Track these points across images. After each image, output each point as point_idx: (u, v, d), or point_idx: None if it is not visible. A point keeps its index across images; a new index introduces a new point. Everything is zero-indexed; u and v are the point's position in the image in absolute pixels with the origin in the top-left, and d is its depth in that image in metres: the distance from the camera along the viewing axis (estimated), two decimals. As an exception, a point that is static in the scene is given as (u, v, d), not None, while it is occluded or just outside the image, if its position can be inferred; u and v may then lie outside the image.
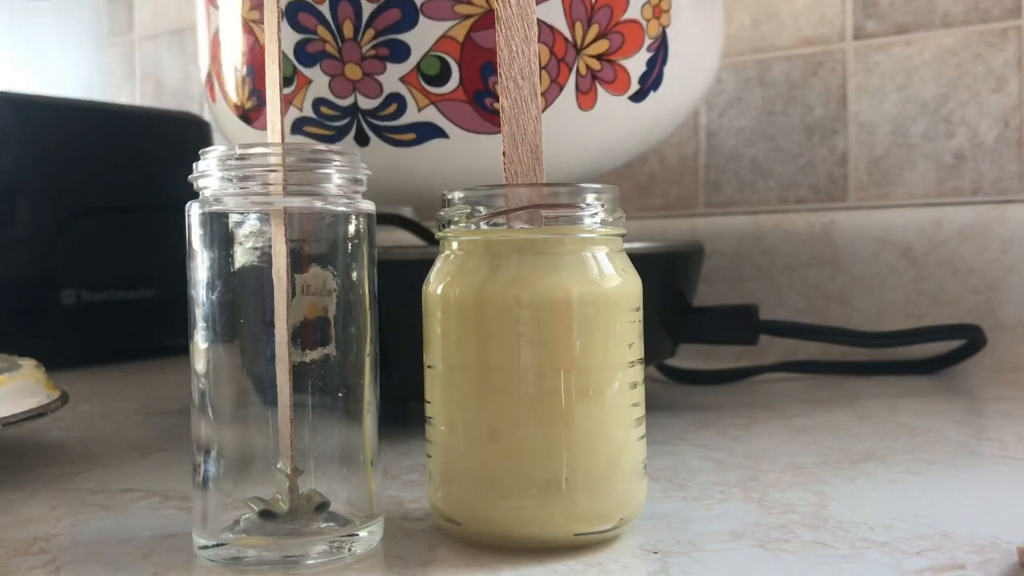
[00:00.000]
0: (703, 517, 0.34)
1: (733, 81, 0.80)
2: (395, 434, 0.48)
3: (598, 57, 0.46)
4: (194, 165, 0.31)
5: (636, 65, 0.48)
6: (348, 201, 0.31)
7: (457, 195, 0.32)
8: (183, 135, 0.90)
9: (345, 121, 0.46)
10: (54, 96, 0.86)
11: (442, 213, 0.32)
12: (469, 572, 0.29)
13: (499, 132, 0.43)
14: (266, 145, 0.31)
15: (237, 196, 0.30)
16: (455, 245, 0.32)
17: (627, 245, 0.33)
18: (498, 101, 0.42)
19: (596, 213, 0.31)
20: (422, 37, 0.44)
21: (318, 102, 0.46)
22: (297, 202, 0.30)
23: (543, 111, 0.45)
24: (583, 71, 0.46)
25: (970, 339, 0.67)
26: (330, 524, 0.31)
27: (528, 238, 0.31)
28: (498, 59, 0.33)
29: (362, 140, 0.47)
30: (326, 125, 0.47)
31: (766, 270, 0.78)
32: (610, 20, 0.46)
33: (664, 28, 0.48)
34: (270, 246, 0.30)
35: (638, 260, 0.34)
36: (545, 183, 0.32)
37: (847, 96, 0.76)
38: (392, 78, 0.45)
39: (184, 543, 0.32)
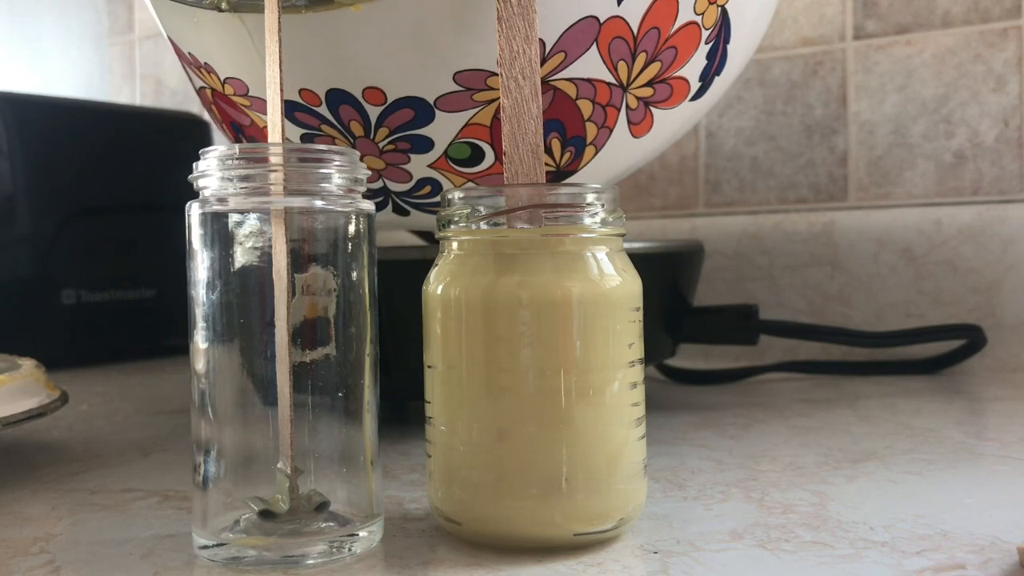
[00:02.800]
0: (703, 517, 0.34)
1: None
2: (395, 434, 0.48)
3: (649, 83, 0.43)
4: (194, 165, 0.31)
5: (694, 67, 0.45)
6: (348, 201, 0.31)
7: (457, 195, 0.32)
8: (183, 135, 0.90)
9: (379, 199, 0.45)
10: (54, 96, 0.86)
11: (442, 213, 0.32)
12: (469, 572, 0.29)
13: None
14: (266, 145, 0.31)
15: (237, 196, 0.30)
16: (455, 245, 0.32)
17: (627, 245, 0.33)
18: (545, 163, 0.41)
19: (596, 213, 0.31)
20: (444, 130, 0.41)
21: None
22: (297, 202, 0.30)
23: (595, 155, 0.43)
24: (633, 105, 0.43)
25: (970, 339, 0.67)
26: (330, 524, 0.31)
27: (528, 238, 0.31)
28: (499, 58, 0.33)
29: (401, 212, 0.45)
30: None
31: (766, 270, 0.78)
32: (659, 41, 0.42)
33: (723, 7, 0.44)
34: (270, 246, 0.30)
35: (638, 260, 0.34)
36: (545, 183, 0.32)
37: (847, 96, 0.76)
38: (420, 166, 0.43)
39: (184, 543, 0.32)
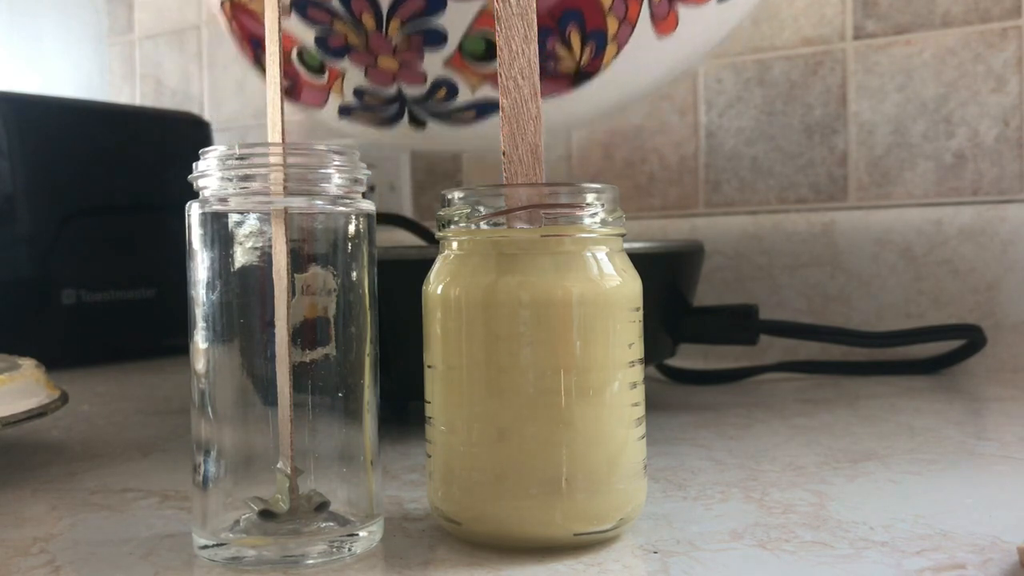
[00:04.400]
0: (703, 517, 0.34)
1: (733, 81, 0.80)
2: (395, 434, 0.48)
3: None
4: (194, 165, 0.31)
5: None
6: (348, 201, 0.31)
7: (457, 195, 0.32)
8: (183, 135, 0.90)
9: (394, 109, 0.42)
10: (54, 96, 0.86)
11: (442, 213, 0.32)
12: (469, 572, 0.29)
13: (568, 91, 0.39)
14: (266, 145, 0.31)
15: (237, 196, 0.30)
16: (455, 245, 0.32)
17: (627, 245, 0.33)
18: (565, 62, 0.38)
19: (596, 213, 0.31)
20: (456, 19, 0.40)
21: (359, 92, 0.43)
22: (297, 202, 0.30)
23: (617, 53, 0.40)
24: None
25: (970, 339, 0.67)
26: (330, 524, 0.31)
27: (528, 238, 0.31)
28: (498, 59, 0.33)
29: (418, 123, 0.43)
30: (374, 112, 0.43)
31: (766, 270, 0.78)
32: None
33: None
34: (270, 246, 0.30)
35: (638, 260, 0.34)
36: (545, 183, 0.32)
37: (847, 96, 0.76)
38: (435, 64, 0.41)
39: (184, 543, 0.32)
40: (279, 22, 0.31)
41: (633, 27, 0.40)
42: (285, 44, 0.45)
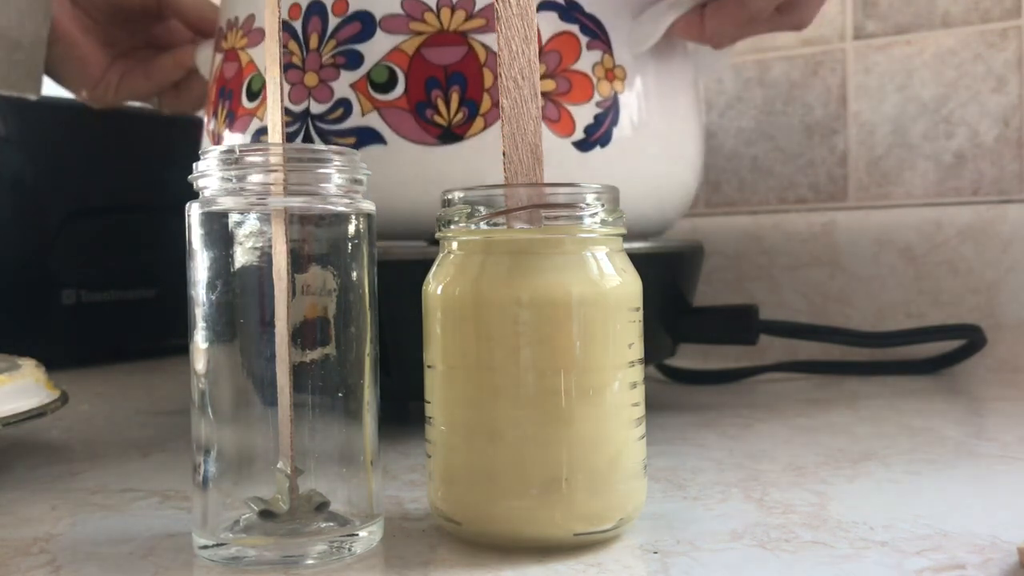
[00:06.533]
0: (703, 517, 0.34)
1: (733, 81, 0.80)
2: (395, 434, 0.48)
3: (545, 95, 0.47)
4: (194, 165, 0.31)
5: (583, 114, 0.48)
6: (348, 201, 0.31)
7: (457, 195, 0.32)
8: (183, 135, 0.90)
9: (296, 126, 0.48)
10: (54, 96, 0.86)
11: (442, 213, 0.32)
12: (469, 572, 0.29)
13: (435, 145, 0.46)
14: (266, 145, 0.31)
15: (237, 196, 0.30)
16: (455, 245, 0.32)
17: (627, 245, 0.33)
18: (439, 114, 0.46)
19: (596, 213, 0.31)
20: (376, 48, 0.46)
21: None
22: (297, 202, 0.30)
23: (484, 129, 0.46)
24: None
25: (970, 339, 0.67)
26: (330, 524, 0.31)
27: (528, 238, 0.31)
28: (498, 59, 0.33)
29: (308, 140, 0.48)
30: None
31: (766, 270, 0.78)
32: (559, 65, 0.48)
33: (616, 93, 0.49)
34: (270, 246, 0.30)
35: (638, 260, 0.34)
36: (545, 183, 0.32)
37: (847, 96, 0.76)
38: (344, 84, 0.47)
39: (184, 543, 0.32)
40: (279, 22, 0.31)
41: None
42: (242, 73, 0.50)
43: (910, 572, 0.28)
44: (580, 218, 0.31)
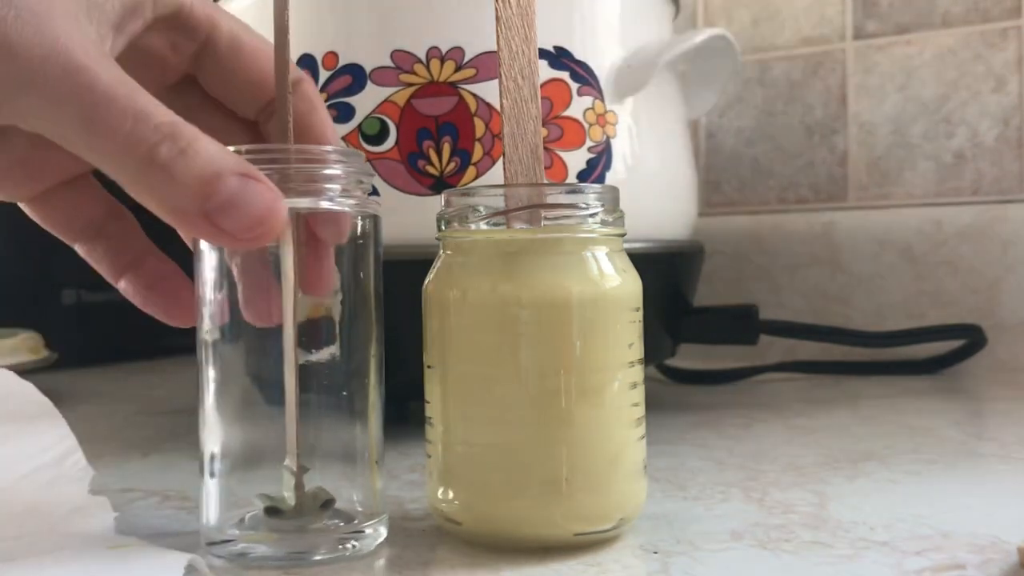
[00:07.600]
0: (703, 517, 0.34)
1: (733, 81, 0.80)
2: (395, 434, 0.48)
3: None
4: (195, 165, 0.31)
5: (576, 160, 0.48)
6: (354, 202, 0.31)
7: (457, 195, 0.32)
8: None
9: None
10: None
11: (442, 213, 0.32)
12: (469, 572, 0.29)
13: (428, 195, 0.46)
14: (272, 146, 0.31)
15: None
16: (455, 245, 0.32)
17: (627, 245, 0.33)
18: (431, 165, 0.46)
19: (596, 213, 0.31)
20: (367, 100, 0.47)
21: None
22: (303, 203, 0.30)
23: (476, 178, 0.46)
24: None
25: (970, 339, 0.67)
26: (335, 521, 0.31)
27: (528, 238, 0.31)
28: (499, 59, 0.33)
29: None
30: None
31: (766, 270, 0.78)
32: (550, 112, 0.48)
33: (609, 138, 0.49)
34: (276, 246, 0.30)
35: (638, 260, 0.34)
36: (545, 183, 0.32)
37: (847, 96, 0.76)
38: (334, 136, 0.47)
39: (184, 543, 0.32)
40: (287, 24, 0.31)
41: (494, 162, 0.46)
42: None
43: (910, 572, 0.28)
44: (580, 218, 0.31)
